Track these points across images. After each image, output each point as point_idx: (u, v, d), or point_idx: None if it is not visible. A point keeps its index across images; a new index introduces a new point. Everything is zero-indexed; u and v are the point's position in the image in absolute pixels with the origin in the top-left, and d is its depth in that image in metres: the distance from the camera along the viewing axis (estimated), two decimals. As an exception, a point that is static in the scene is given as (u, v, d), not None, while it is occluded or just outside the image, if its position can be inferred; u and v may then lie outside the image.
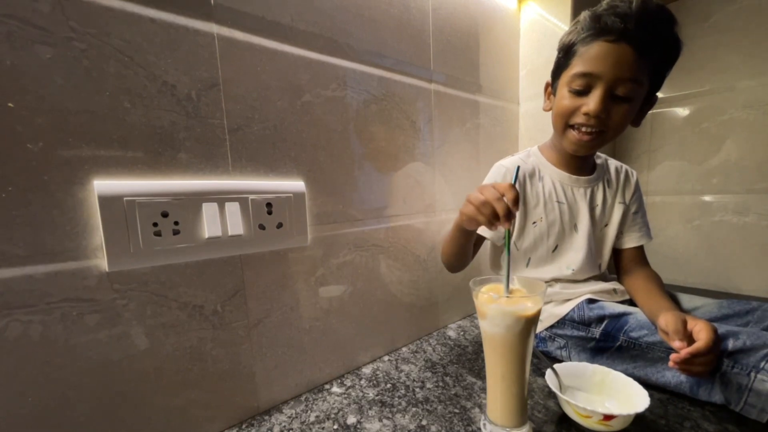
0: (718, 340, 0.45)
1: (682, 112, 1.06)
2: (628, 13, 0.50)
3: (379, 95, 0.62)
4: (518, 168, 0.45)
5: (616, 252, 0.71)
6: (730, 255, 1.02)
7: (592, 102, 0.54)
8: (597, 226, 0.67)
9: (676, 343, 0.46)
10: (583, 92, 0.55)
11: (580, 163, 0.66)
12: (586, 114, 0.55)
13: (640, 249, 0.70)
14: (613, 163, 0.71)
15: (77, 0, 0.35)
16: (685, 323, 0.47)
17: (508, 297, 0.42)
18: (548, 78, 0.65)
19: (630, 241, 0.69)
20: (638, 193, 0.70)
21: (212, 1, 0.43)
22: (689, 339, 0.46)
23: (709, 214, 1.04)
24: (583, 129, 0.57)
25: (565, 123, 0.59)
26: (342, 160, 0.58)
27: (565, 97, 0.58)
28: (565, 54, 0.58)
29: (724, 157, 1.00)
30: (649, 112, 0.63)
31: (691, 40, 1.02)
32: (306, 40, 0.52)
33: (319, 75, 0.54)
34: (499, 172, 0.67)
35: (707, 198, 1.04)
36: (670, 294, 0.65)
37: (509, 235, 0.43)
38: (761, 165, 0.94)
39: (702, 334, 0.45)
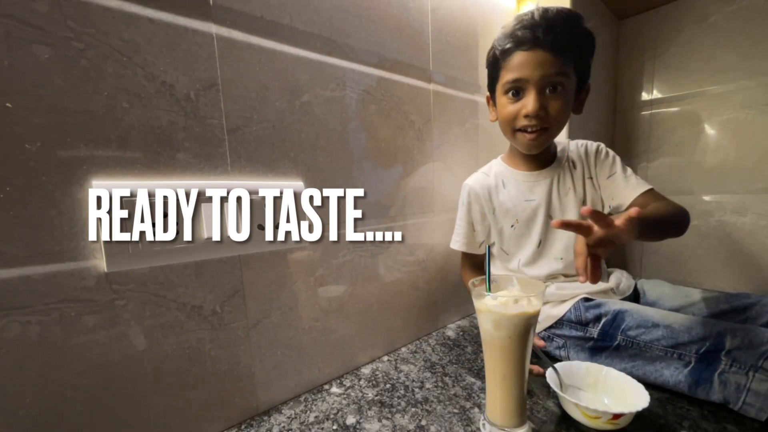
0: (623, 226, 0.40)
1: (681, 112, 1.06)
2: (534, 24, 0.57)
3: (378, 95, 0.62)
4: (488, 247, 0.49)
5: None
6: (729, 255, 1.02)
7: (529, 103, 0.59)
8: (575, 209, 0.67)
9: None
10: (518, 94, 0.61)
11: (538, 159, 0.70)
12: (527, 116, 0.60)
13: (646, 197, 0.62)
14: (573, 145, 0.71)
15: (75, 0, 0.35)
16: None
17: (508, 297, 0.42)
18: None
19: (630, 194, 0.63)
20: (601, 158, 0.67)
21: (211, 1, 0.43)
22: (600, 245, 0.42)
23: (708, 214, 1.04)
24: (529, 130, 0.62)
25: (511, 128, 0.64)
26: (341, 160, 0.58)
27: (505, 105, 0.63)
28: (493, 67, 0.65)
29: (722, 158, 1.00)
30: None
31: (690, 40, 1.02)
32: (305, 40, 0.52)
33: (318, 75, 0.54)
34: (464, 192, 0.74)
35: (705, 198, 1.04)
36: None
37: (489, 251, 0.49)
38: (759, 165, 0.94)
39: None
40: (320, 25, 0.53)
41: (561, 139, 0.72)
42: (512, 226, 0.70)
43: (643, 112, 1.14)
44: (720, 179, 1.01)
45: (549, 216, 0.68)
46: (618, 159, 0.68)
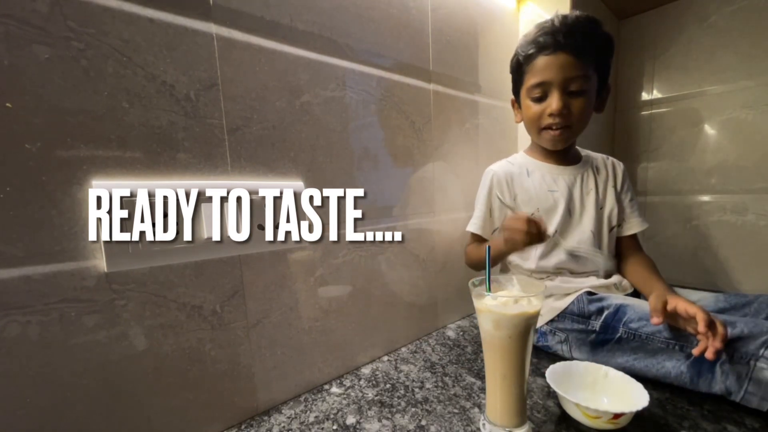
0: (707, 314, 0.48)
1: (681, 112, 1.07)
2: (555, 30, 0.60)
3: (378, 95, 0.62)
4: (488, 247, 0.49)
5: (617, 240, 0.73)
6: (729, 255, 1.02)
7: (553, 103, 0.62)
8: (593, 210, 0.69)
9: (654, 320, 0.52)
10: (542, 98, 0.64)
11: (563, 155, 0.71)
12: (551, 114, 0.63)
13: (635, 236, 0.73)
14: (599, 155, 0.75)
15: (75, 0, 0.35)
16: (665, 303, 0.52)
17: (508, 297, 0.42)
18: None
19: (630, 229, 0.72)
20: (628, 181, 0.73)
21: (211, 1, 0.43)
22: (671, 317, 0.51)
23: (708, 214, 1.04)
24: (553, 128, 0.65)
25: (537, 127, 0.67)
26: (341, 160, 0.58)
27: (529, 107, 0.67)
28: (517, 72, 0.69)
29: (722, 158, 1.00)
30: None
31: (690, 40, 1.02)
32: (305, 40, 0.52)
33: (318, 75, 0.54)
34: (487, 176, 0.74)
35: (706, 198, 1.05)
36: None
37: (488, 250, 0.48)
38: (759, 165, 0.95)
39: (697, 315, 0.48)
40: (320, 25, 0.53)
41: (580, 143, 0.74)
42: (532, 214, 0.69)
43: (643, 112, 1.14)
44: (720, 179, 1.01)
45: (568, 210, 0.69)
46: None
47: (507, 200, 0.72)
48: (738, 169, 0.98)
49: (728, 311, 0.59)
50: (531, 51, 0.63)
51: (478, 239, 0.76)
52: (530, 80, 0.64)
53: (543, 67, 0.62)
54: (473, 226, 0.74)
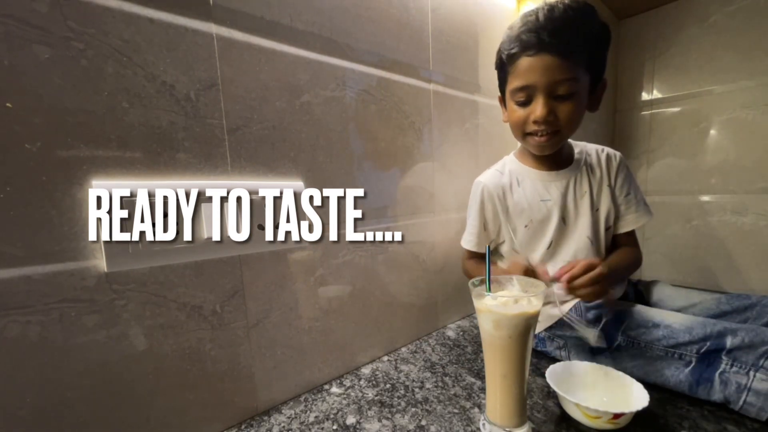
0: (590, 267, 0.52)
1: (681, 112, 1.07)
2: (538, 27, 0.53)
3: (378, 95, 0.62)
4: (488, 247, 0.49)
5: (612, 236, 0.70)
6: (729, 255, 1.02)
7: (537, 109, 0.57)
8: (588, 214, 0.66)
9: (547, 276, 0.57)
10: (526, 103, 0.58)
11: (554, 159, 0.66)
12: (535, 122, 0.58)
13: (631, 232, 0.69)
14: (593, 149, 0.69)
15: (75, 0, 0.35)
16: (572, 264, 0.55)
17: (508, 297, 0.42)
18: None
19: (624, 227, 0.67)
20: (624, 173, 0.67)
21: (211, 1, 0.43)
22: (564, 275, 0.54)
23: (708, 214, 1.04)
24: (539, 134, 0.60)
25: (521, 132, 0.62)
26: (341, 160, 0.58)
27: (514, 110, 0.61)
28: (501, 70, 0.63)
29: (722, 157, 1.01)
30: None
31: (690, 40, 1.02)
32: (305, 40, 0.52)
33: (318, 75, 0.54)
34: (477, 190, 0.70)
35: (706, 198, 1.05)
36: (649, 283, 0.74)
37: (489, 250, 0.47)
38: (759, 165, 0.95)
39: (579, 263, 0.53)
40: (320, 25, 0.53)
41: (576, 141, 0.71)
42: (526, 226, 0.67)
43: (643, 112, 1.14)
44: (720, 179, 1.02)
45: (563, 219, 0.66)
46: (634, 178, 0.68)
47: (500, 214, 0.69)
48: (738, 169, 0.98)
49: (730, 314, 0.59)
50: (514, 50, 0.56)
51: (474, 255, 0.74)
52: (513, 82, 0.58)
53: (526, 70, 0.56)
54: (469, 243, 0.72)
